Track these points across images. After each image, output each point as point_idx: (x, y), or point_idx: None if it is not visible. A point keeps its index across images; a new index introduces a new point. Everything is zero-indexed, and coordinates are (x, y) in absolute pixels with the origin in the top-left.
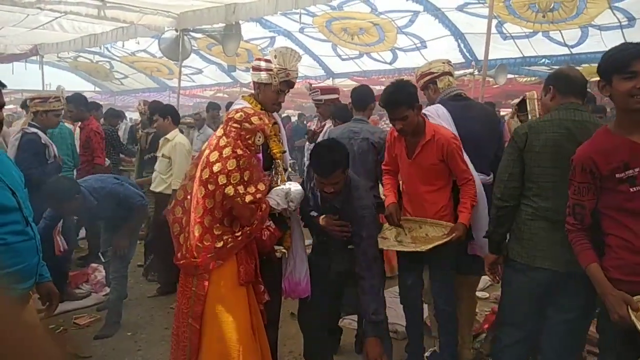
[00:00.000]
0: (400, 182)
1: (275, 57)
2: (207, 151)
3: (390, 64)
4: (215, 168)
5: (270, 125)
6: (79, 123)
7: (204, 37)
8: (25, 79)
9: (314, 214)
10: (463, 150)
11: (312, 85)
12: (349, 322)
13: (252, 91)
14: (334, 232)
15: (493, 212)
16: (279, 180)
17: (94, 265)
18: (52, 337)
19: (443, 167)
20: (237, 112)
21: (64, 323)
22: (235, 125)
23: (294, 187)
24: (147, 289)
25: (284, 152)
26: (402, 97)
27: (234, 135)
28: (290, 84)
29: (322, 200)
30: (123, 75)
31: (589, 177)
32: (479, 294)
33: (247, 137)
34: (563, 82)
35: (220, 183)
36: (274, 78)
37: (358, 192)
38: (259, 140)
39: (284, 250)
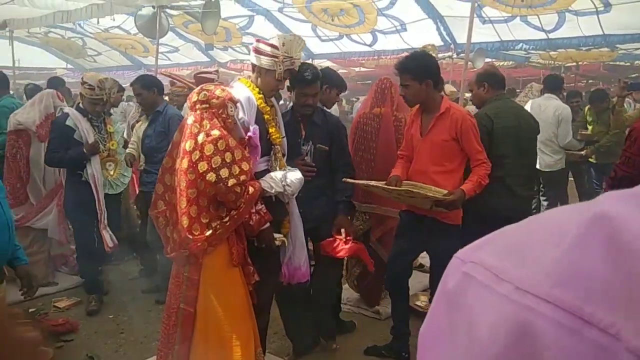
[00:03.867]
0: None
1: (284, 45)
2: (182, 142)
3: (370, 46)
4: (194, 156)
5: (268, 109)
6: None
7: (181, 14)
8: None
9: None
10: (478, 131)
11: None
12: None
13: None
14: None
15: None
16: (277, 166)
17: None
18: (22, 325)
19: (455, 147)
20: (198, 92)
21: (44, 306)
22: (203, 106)
23: (292, 172)
24: (128, 271)
25: (283, 137)
26: (409, 65)
27: (208, 116)
28: (293, 72)
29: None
30: (96, 52)
31: None
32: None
33: (219, 112)
34: (494, 78)
35: (201, 171)
36: (279, 65)
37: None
38: (231, 111)
39: (283, 239)
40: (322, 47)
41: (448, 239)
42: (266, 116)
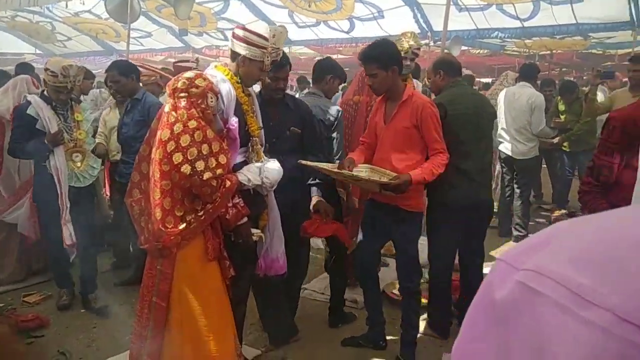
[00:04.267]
0: None
1: (274, 37)
2: (159, 131)
3: (347, 32)
4: (169, 147)
5: (247, 99)
6: None
7: None
8: None
9: None
10: (439, 121)
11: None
12: (309, 293)
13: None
14: None
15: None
16: (254, 158)
17: None
18: None
19: (416, 135)
20: (177, 80)
21: (13, 302)
22: (182, 94)
23: (270, 163)
24: (100, 264)
25: (261, 128)
26: (374, 54)
27: (186, 105)
28: (275, 64)
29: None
30: (66, 37)
31: (625, 139)
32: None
33: (198, 102)
34: (449, 66)
35: (176, 162)
36: (267, 57)
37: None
38: (211, 102)
39: (261, 234)
40: (300, 34)
41: (409, 225)
42: (244, 106)
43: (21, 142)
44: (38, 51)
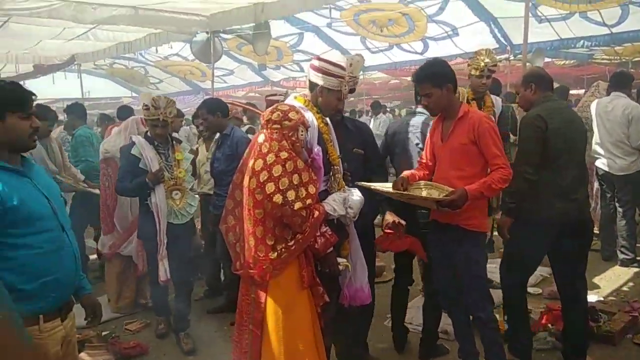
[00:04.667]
0: None
1: (351, 65)
2: (251, 160)
3: (421, 54)
4: (262, 177)
5: (326, 128)
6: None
7: (234, 38)
8: (66, 88)
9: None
10: (498, 135)
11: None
12: (413, 328)
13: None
14: None
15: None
16: (337, 186)
17: None
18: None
19: (475, 151)
20: (272, 112)
21: (116, 329)
22: (275, 126)
23: (353, 193)
24: (193, 292)
25: (339, 156)
26: (427, 73)
27: (277, 137)
28: (351, 92)
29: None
30: (158, 79)
31: None
32: (531, 289)
33: (290, 134)
34: (541, 79)
35: (268, 192)
36: (344, 86)
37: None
38: (302, 134)
39: (347, 263)
40: (373, 59)
41: (471, 245)
42: (325, 136)
43: (125, 181)
44: (134, 94)
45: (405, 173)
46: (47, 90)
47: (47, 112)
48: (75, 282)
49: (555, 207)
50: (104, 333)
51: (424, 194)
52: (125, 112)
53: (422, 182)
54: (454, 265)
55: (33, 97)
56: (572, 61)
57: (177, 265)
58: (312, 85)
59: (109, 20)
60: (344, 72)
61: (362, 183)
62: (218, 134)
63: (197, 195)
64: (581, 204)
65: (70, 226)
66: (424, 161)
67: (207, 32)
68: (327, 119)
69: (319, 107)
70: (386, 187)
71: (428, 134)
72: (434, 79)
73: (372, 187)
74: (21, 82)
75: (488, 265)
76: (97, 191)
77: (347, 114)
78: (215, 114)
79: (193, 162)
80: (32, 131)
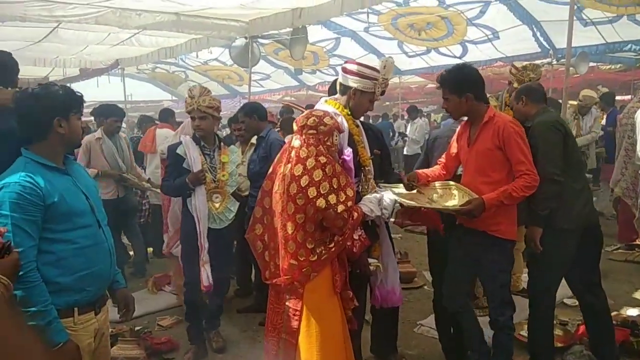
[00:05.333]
0: None
1: (384, 67)
2: (287, 165)
3: (460, 57)
4: (303, 182)
5: (357, 130)
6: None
7: (272, 43)
8: (109, 91)
9: None
10: (525, 140)
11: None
12: (427, 330)
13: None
14: None
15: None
16: (368, 188)
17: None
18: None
19: (500, 157)
20: (307, 117)
21: (149, 325)
22: (311, 131)
23: (387, 194)
24: None
25: (371, 158)
26: (447, 78)
27: (314, 142)
28: (382, 94)
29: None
30: (197, 84)
31: None
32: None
33: (325, 139)
34: (532, 92)
35: (311, 196)
36: (378, 88)
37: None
38: (336, 139)
39: (378, 264)
40: (409, 63)
41: (498, 253)
42: (356, 137)
43: (170, 179)
44: (174, 97)
45: (417, 171)
46: (91, 92)
47: (117, 110)
48: (110, 277)
49: (578, 211)
50: (136, 328)
51: (438, 193)
52: (166, 114)
53: (450, 183)
54: (475, 270)
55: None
56: (618, 65)
57: (215, 269)
58: (345, 88)
59: (152, 26)
60: (378, 74)
61: (384, 184)
62: (255, 137)
63: (237, 203)
64: (594, 209)
65: (106, 222)
66: (443, 161)
67: (245, 38)
68: (358, 121)
69: (351, 109)
70: (405, 193)
71: (455, 136)
72: (452, 85)
73: (394, 192)
74: (67, 85)
75: (524, 275)
76: (158, 191)
77: (379, 118)
78: (252, 116)
79: None
80: (82, 131)
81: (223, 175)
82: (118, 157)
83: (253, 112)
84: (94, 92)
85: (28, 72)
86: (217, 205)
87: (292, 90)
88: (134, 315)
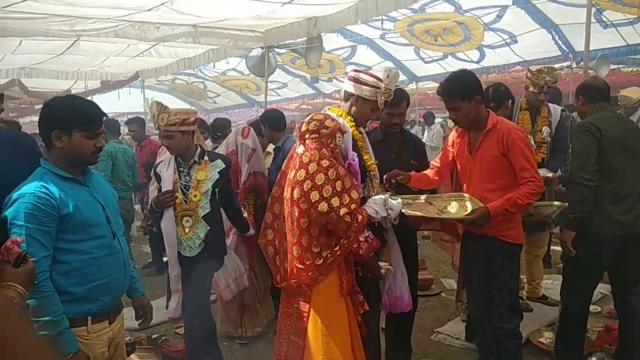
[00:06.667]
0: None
1: (388, 77)
2: (292, 172)
3: (477, 62)
4: (306, 186)
5: (360, 136)
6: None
7: (288, 52)
8: (130, 102)
9: None
10: (529, 146)
11: None
12: (443, 338)
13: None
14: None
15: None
16: (374, 193)
17: None
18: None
19: (506, 163)
20: (308, 122)
21: (166, 332)
22: (313, 135)
23: (390, 197)
24: None
25: (376, 163)
26: (453, 86)
27: (316, 145)
28: (385, 104)
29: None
30: (215, 94)
31: None
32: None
33: (328, 142)
34: (590, 90)
35: (313, 200)
36: (380, 96)
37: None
38: (339, 141)
39: (389, 267)
40: (426, 69)
41: (509, 258)
42: (359, 143)
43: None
44: (193, 108)
45: (411, 173)
46: (113, 104)
47: (139, 121)
48: (125, 287)
49: (614, 218)
50: (154, 336)
51: (451, 205)
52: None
53: (459, 194)
54: (487, 276)
55: (104, 117)
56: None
57: (190, 303)
58: (347, 95)
59: (170, 37)
60: (380, 82)
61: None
62: (271, 145)
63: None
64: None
65: (122, 232)
66: (437, 166)
67: (261, 47)
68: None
69: (353, 117)
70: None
71: (449, 141)
72: (461, 92)
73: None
74: (88, 97)
75: (544, 282)
76: None
77: None
78: (264, 125)
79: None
80: (95, 150)
81: (195, 196)
82: None
83: (265, 122)
84: (116, 104)
85: (51, 85)
86: (187, 230)
87: (308, 98)
88: (151, 323)
